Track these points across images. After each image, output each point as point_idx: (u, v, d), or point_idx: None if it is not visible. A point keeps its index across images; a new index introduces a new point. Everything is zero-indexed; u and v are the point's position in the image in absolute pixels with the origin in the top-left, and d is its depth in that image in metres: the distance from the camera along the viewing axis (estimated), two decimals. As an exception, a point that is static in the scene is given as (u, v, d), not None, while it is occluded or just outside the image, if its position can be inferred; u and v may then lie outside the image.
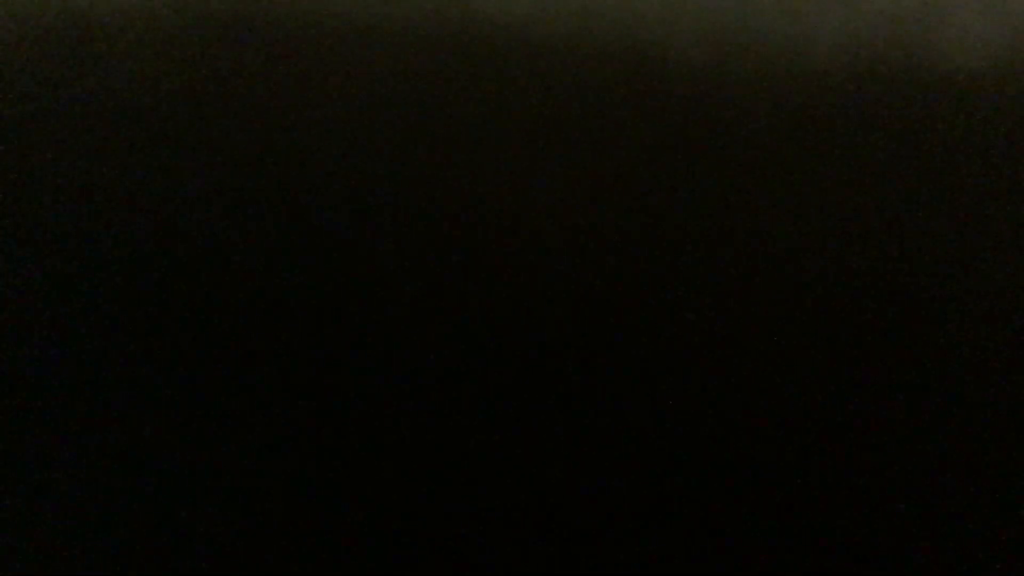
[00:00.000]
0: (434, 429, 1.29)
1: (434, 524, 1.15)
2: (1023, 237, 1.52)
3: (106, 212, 1.61)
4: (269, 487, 1.21)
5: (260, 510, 1.16)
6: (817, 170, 1.67)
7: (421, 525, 1.15)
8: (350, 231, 1.52)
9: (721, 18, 1.76)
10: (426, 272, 1.50)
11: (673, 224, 1.58)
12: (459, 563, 1.09)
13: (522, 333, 1.44)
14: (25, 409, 1.33)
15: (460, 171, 1.66)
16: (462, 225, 1.58)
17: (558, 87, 1.79)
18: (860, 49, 1.68)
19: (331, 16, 1.86)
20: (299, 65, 1.84)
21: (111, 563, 1.08)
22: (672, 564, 1.11)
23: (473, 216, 1.60)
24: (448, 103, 1.78)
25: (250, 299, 1.48)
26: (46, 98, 1.77)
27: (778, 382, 1.32)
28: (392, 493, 1.22)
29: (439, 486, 1.21)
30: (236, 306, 1.45)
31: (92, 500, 1.18)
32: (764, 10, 1.69)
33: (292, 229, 1.57)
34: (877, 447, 1.25)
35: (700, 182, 1.65)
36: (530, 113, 1.77)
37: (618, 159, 1.69)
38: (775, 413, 1.27)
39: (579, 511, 1.18)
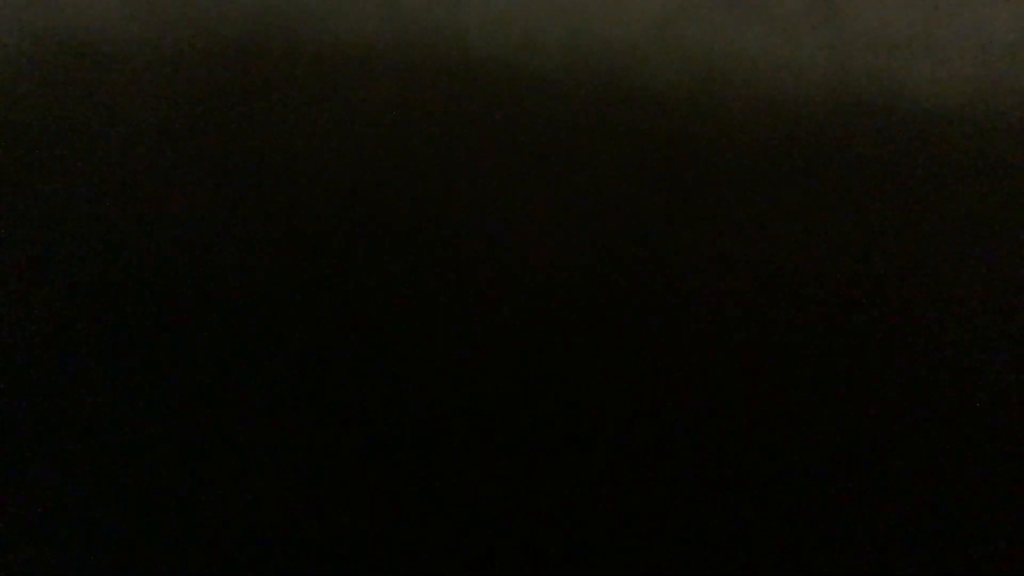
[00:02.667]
0: (420, 442, 1.30)
1: (429, 528, 1.16)
2: (1004, 263, 1.54)
3: (109, 232, 1.62)
4: (265, 489, 1.21)
5: (257, 512, 1.16)
6: (802, 195, 1.70)
7: (416, 529, 1.15)
8: (343, 250, 1.54)
9: (708, 49, 1.79)
10: (415, 295, 1.52)
11: (660, 251, 1.60)
12: (454, 564, 1.10)
13: (504, 366, 1.45)
14: (22, 409, 1.34)
15: (450, 198, 1.68)
16: (450, 252, 1.59)
17: (547, 117, 1.82)
18: (845, 75, 1.71)
19: (327, 48, 1.90)
20: (295, 93, 1.87)
21: (109, 563, 1.08)
22: (670, 566, 1.11)
23: (460, 244, 1.61)
24: (440, 132, 1.81)
25: (247, 313, 1.49)
26: (52, 121, 1.80)
27: (744, 415, 1.33)
28: (382, 500, 1.22)
29: (428, 497, 1.21)
30: (231, 320, 1.46)
31: (85, 502, 1.18)
32: (751, 38, 1.73)
33: (289, 248, 1.58)
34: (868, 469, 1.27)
35: (688, 209, 1.68)
36: (519, 141, 1.80)
37: (606, 187, 1.72)
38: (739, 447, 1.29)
39: (571, 520, 1.18)
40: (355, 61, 1.90)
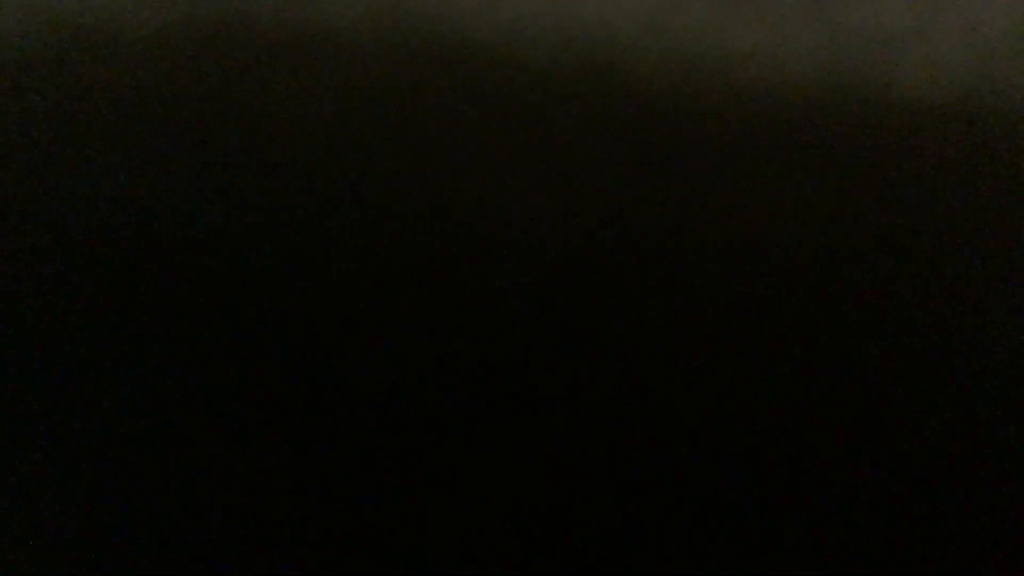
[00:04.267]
0: (403, 435, 1.30)
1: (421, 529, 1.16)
2: (989, 257, 1.56)
3: (90, 217, 1.60)
4: (263, 487, 1.21)
5: (256, 510, 1.16)
6: (792, 187, 1.71)
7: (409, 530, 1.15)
8: (327, 236, 1.53)
9: (699, 42, 1.79)
10: (400, 280, 1.51)
11: (648, 240, 1.60)
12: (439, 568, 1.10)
13: (486, 354, 1.45)
14: (20, 410, 1.32)
15: (434, 183, 1.67)
16: (434, 237, 1.59)
17: (534, 104, 1.82)
18: (836, 70, 1.71)
19: (313, 31, 1.88)
20: (279, 77, 1.86)
21: (108, 564, 1.07)
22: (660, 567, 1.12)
23: (446, 228, 1.61)
24: (426, 117, 1.80)
25: (233, 304, 1.48)
26: (32, 101, 1.76)
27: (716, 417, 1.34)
28: (371, 500, 1.22)
29: (418, 495, 1.21)
30: (217, 311, 1.44)
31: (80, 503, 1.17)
32: (741, 29, 1.72)
33: (274, 234, 1.57)
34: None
35: (676, 199, 1.68)
36: (505, 128, 1.79)
37: (594, 176, 1.72)
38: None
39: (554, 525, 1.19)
40: (340, 44, 1.88)
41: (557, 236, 1.56)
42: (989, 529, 1.15)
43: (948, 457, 1.27)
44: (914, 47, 1.58)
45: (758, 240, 1.58)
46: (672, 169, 1.68)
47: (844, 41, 1.68)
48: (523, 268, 1.50)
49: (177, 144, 1.69)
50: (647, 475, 1.27)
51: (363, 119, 1.78)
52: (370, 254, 1.56)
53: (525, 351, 1.41)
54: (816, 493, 1.24)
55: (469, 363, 1.41)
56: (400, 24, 1.87)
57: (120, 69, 1.78)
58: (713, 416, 1.32)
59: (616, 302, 1.47)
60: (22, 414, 1.28)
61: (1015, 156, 1.43)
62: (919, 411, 1.30)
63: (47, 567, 1.09)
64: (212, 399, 1.34)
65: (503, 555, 1.18)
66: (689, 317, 1.48)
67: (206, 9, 1.86)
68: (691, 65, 1.76)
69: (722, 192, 1.63)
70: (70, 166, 1.69)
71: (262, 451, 1.25)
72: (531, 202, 1.59)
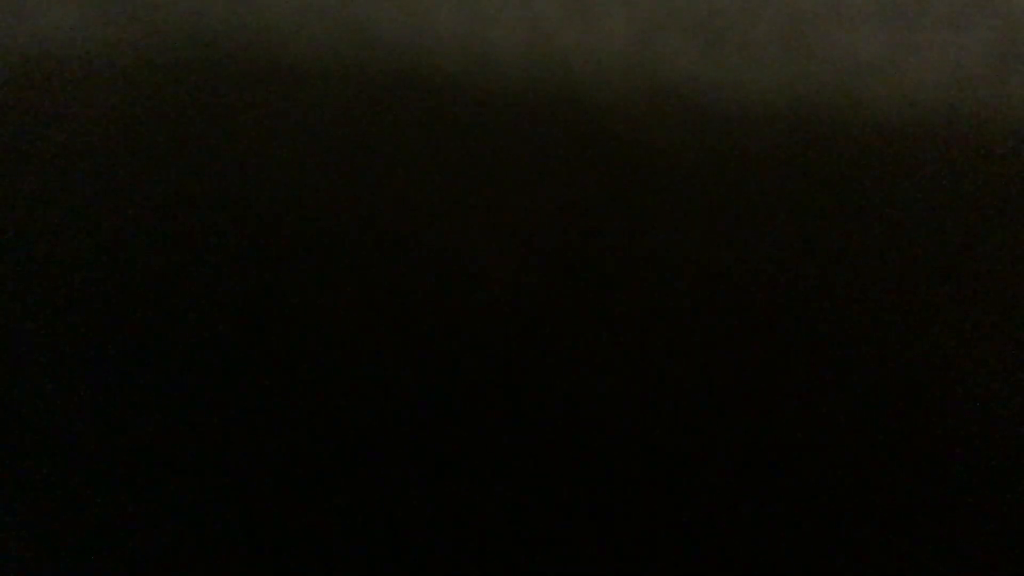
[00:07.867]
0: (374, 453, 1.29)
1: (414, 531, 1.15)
2: (966, 275, 1.57)
3: (62, 249, 1.60)
4: (261, 489, 1.20)
5: (254, 512, 1.15)
6: (766, 213, 1.72)
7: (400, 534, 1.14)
8: (297, 262, 1.53)
9: (675, 72, 1.81)
10: (376, 310, 1.51)
11: (620, 268, 1.61)
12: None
13: (460, 378, 1.45)
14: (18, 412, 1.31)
15: (408, 211, 1.68)
16: (407, 262, 1.59)
17: (509, 133, 1.83)
18: (812, 99, 1.73)
19: (289, 65, 1.89)
20: (255, 110, 1.86)
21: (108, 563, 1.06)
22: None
23: (417, 255, 1.61)
24: (397, 146, 1.81)
25: (199, 330, 1.47)
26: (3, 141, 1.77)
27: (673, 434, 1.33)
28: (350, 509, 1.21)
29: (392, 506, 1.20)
30: (182, 336, 1.44)
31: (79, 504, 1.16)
32: (718, 58, 1.74)
33: (246, 258, 1.57)
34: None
35: (650, 226, 1.69)
36: (479, 157, 1.80)
37: (566, 204, 1.73)
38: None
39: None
40: (316, 78, 1.90)
41: (528, 263, 1.56)
42: (988, 529, 1.14)
43: (942, 465, 1.26)
44: (889, 75, 1.61)
45: (730, 266, 1.58)
46: (647, 196, 1.69)
47: (819, 70, 1.71)
48: (491, 294, 1.50)
49: (147, 176, 1.68)
50: (617, 488, 1.26)
51: (333, 150, 1.78)
52: (341, 280, 1.56)
53: (501, 367, 1.40)
54: (775, 514, 1.23)
55: (441, 386, 1.40)
56: (370, 56, 1.88)
57: (91, 104, 1.78)
58: (676, 437, 1.32)
59: (587, 321, 1.47)
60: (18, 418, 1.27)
61: (988, 180, 1.45)
62: (893, 419, 1.30)
63: (47, 566, 1.08)
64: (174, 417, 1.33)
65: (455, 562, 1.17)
66: (657, 340, 1.48)
67: (177, 47, 1.87)
68: (667, 95, 1.79)
69: (697, 219, 1.63)
70: (41, 196, 1.68)
71: (265, 460, 1.24)
72: (504, 231, 1.59)
